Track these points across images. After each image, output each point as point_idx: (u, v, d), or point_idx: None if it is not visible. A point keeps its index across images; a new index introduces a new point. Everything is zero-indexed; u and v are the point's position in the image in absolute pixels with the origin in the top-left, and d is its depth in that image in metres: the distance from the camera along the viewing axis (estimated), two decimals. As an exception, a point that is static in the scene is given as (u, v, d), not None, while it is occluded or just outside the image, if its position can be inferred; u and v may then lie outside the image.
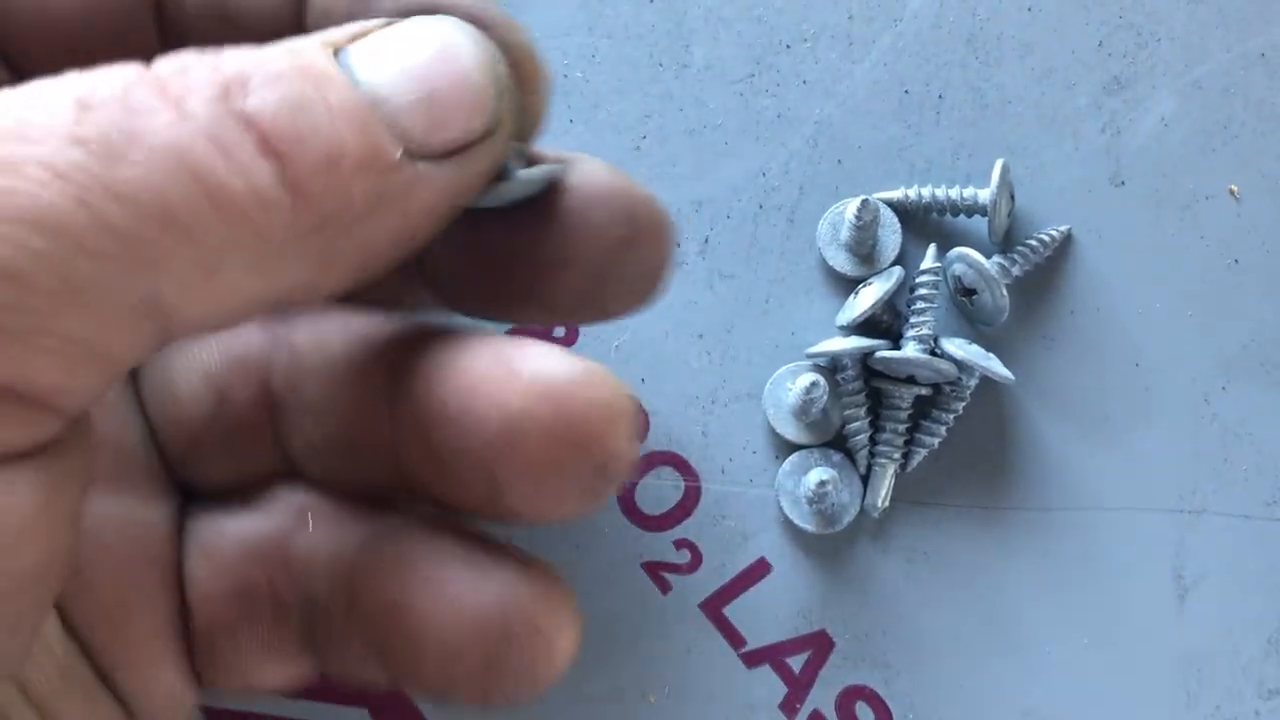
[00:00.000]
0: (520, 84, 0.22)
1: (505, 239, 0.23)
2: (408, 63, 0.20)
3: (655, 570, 0.32)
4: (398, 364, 0.24)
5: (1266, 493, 0.31)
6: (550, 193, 0.23)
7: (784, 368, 0.32)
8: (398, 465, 0.24)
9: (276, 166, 0.18)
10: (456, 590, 0.22)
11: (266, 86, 0.18)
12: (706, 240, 0.33)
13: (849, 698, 0.31)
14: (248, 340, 0.26)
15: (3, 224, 0.16)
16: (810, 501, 0.30)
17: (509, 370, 0.21)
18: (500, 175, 0.22)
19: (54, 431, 0.18)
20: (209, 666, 0.25)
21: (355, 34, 0.20)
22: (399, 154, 0.19)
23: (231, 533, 0.25)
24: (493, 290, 0.24)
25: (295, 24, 0.23)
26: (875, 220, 0.31)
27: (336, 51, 0.20)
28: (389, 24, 0.21)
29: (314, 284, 0.20)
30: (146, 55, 0.21)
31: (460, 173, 0.21)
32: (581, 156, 0.24)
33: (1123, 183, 0.32)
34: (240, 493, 0.26)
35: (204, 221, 0.17)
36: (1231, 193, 0.32)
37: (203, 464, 0.26)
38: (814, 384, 0.30)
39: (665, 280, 0.24)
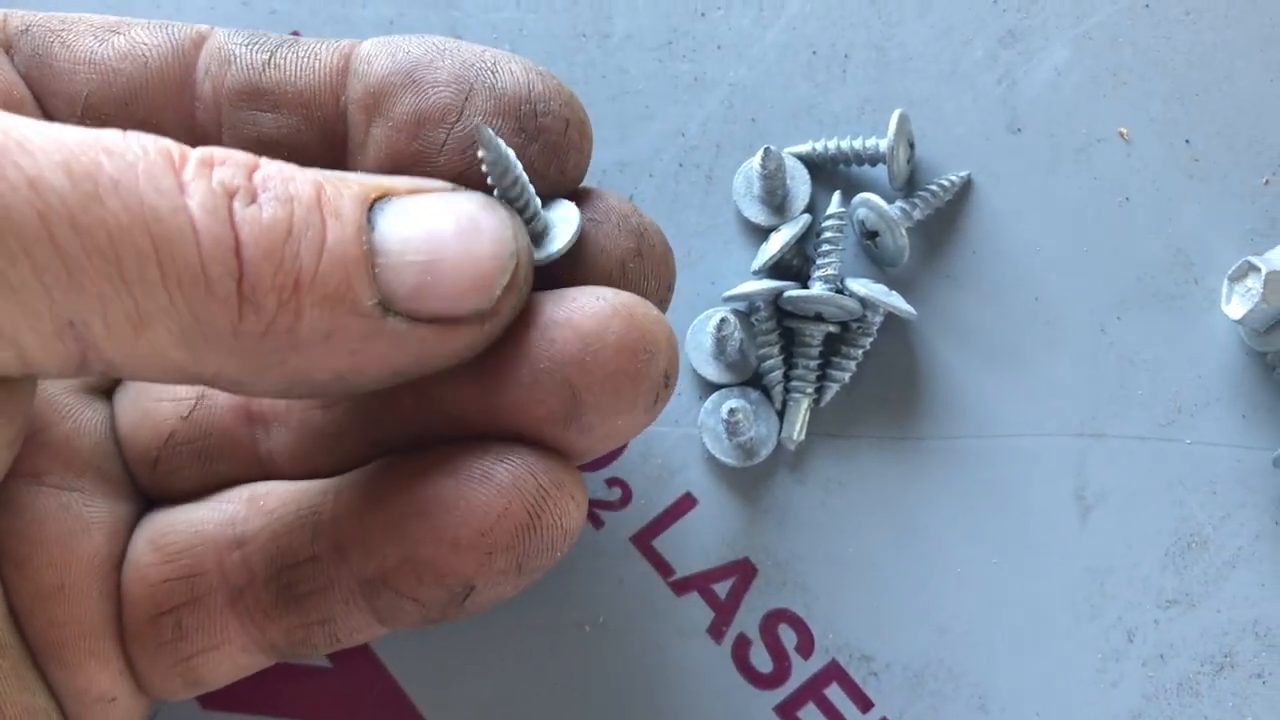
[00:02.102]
0: (577, 138, 0.25)
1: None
2: (429, 226, 0.22)
3: (589, 507, 0.34)
4: None
5: (1161, 415, 0.33)
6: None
7: (704, 313, 0.34)
8: (404, 435, 0.25)
9: (235, 271, 0.20)
10: (483, 469, 0.23)
11: (274, 203, 0.20)
12: (631, 198, 0.35)
13: (772, 620, 0.33)
14: None
15: None
16: (726, 432, 0.32)
17: (578, 300, 0.23)
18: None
19: None
20: (154, 663, 0.26)
21: (413, 188, 0.22)
22: (372, 303, 0.21)
23: (181, 522, 0.26)
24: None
25: (334, 108, 0.25)
26: (780, 168, 0.33)
27: (381, 197, 0.22)
28: (451, 189, 0.23)
29: (240, 381, 0.21)
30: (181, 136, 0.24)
31: (437, 340, 0.22)
32: (593, 189, 0.26)
33: (1019, 130, 0.34)
34: (203, 494, 0.27)
35: (147, 283, 0.19)
36: (1121, 135, 0.34)
37: (173, 464, 0.27)
38: (723, 320, 0.32)
39: (670, 289, 0.27)
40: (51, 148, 0.19)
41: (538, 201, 0.24)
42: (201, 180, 0.20)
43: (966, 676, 0.32)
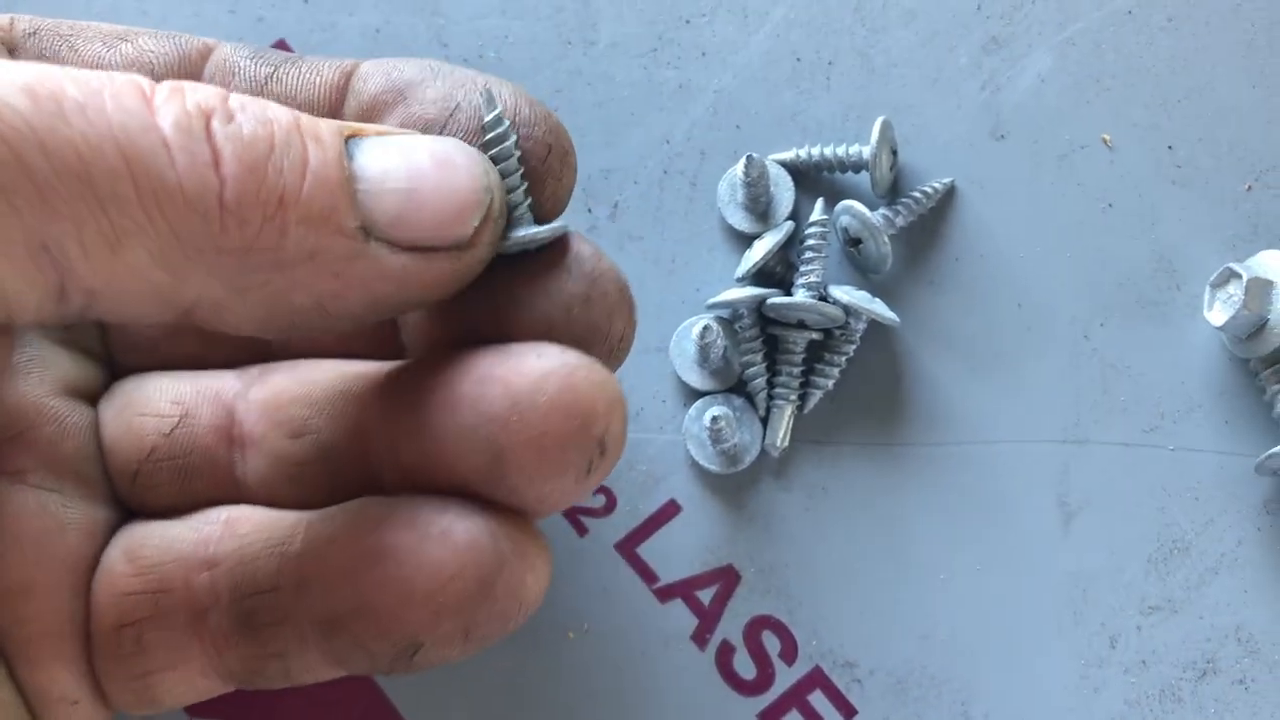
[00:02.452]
0: (557, 166, 0.25)
1: (484, 283, 0.24)
2: (406, 160, 0.22)
3: (573, 515, 0.34)
4: (396, 379, 0.25)
5: (1144, 421, 0.33)
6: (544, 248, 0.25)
7: (688, 320, 0.34)
8: (367, 476, 0.25)
9: (217, 183, 0.20)
10: (442, 526, 0.23)
11: (253, 122, 0.20)
12: (616, 205, 0.35)
13: (755, 627, 0.33)
14: (219, 376, 0.28)
15: None
16: (709, 439, 0.32)
17: (517, 357, 0.23)
18: (510, 225, 0.24)
19: None
20: (112, 674, 0.25)
21: (380, 132, 0.23)
22: (354, 225, 0.21)
23: (157, 537, 0.26)
24: (456, 327, 0.25)
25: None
26: (763, 175, 0.33)
27: (352, 136, 0.22)
28: (411, 133, 0.23)
29: (220, 305, 0.21)
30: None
31: (417, 268, 0.22)
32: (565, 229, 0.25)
33: (1002, 136, 0.34)
34: (181, 511, 0.27)
35: (121, 200, 0.19)
36: (1104, 142, 0.34)
37: (149, 483, 0.27)
38: (706, 328, 0.32)
39: (625, 340, 0.25)
40: (13, 74, 0.18)
41: (525, 185, 0.24)
42: (174, 103, 0.20)
43: (950, 683, 0.32)
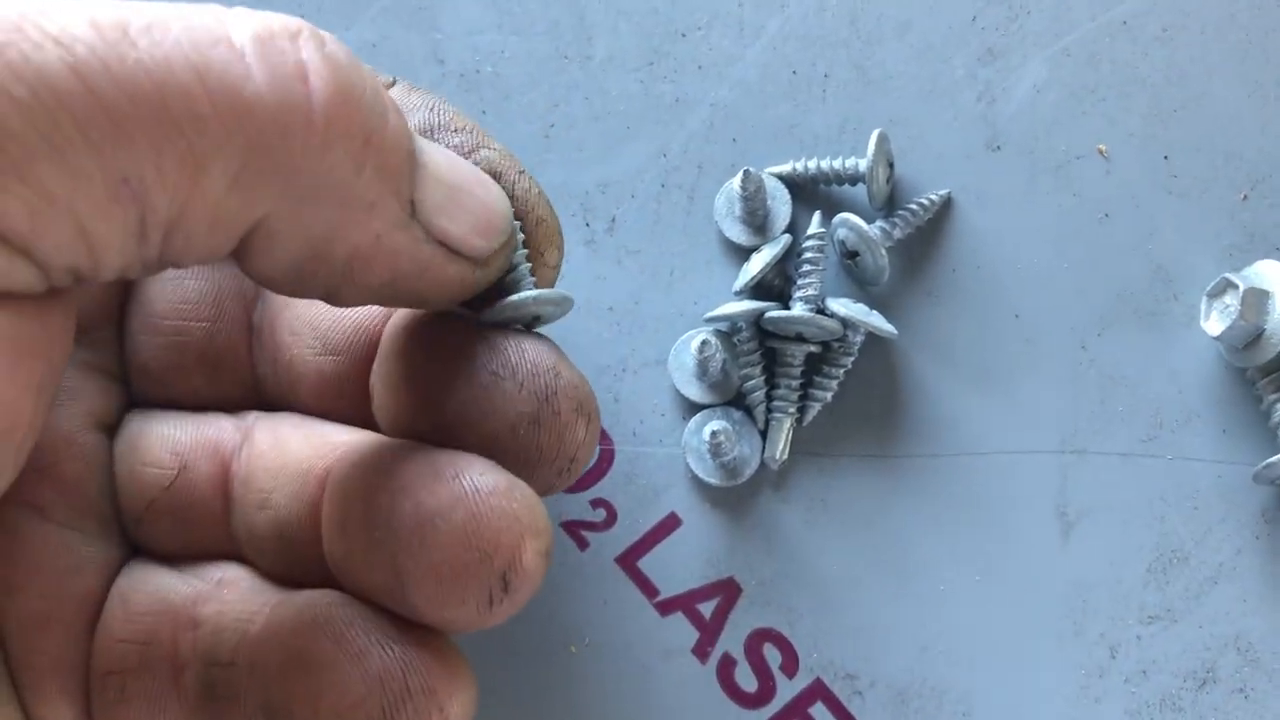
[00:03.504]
0: (541, 240, 0.26)
1: (440, 373, 0.25)
2: (452, 164, 0.23)
3: (574, 528, 0.34)
4: (346, 467, 0.25)
5: (1142, 431, 0.33)
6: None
7: (686, 334, 0.34)
8: (323, 562, 0.26)
9: (305, 97, 0.19)
10: (362, 646, 0.23)
11: (345, 53, 0.20)
12: (614, 219, 0.35)
13: (756, 640, 0.33)
14: (219, 426, 0.28)
15: None
16: (709, 453, 0.32)
17: (438, 472, 0.22)
18: (510, 289, 0.25)
19: (27, 282, 0.18)
20: (100, 716, 0.25)
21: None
22: (409, 196, 0.21)
23: (152, 586, 0.26)
24: (408, 419, 0.25)
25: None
26: (760, 189, 0.33)
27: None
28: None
29: (274, 234, 0.20)
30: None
31: (439, 264, 0.23)
32: (516, 333, 0.25)
33: (998, 147, 0.34)
34: (182, 559, 0.27)
35: (199, 119, 0.18)
36: (1101, 152, 0.34)
37: (154, 529, 0.27)
38: (705, 343, 0.32)
39: (574, 461, 0.24)
40: (75, 9, 0.18)
41: (527, 252, 0.25)
42: (252, 20, 0.19)
43: (950, 694, 0.32)
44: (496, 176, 0.25)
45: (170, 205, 0.19)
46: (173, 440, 0.28)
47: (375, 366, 0.27)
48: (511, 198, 0.25)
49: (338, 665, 0.23)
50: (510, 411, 0.23)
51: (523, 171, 0.26)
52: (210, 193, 0.19)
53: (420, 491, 0.22)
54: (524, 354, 0.24)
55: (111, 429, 0.28)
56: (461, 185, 0.23)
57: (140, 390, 0.29)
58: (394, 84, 0.27)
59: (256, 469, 0.27)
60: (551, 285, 0.27)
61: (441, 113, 0.26)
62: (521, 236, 0.25)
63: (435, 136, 0.25)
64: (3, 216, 0.17)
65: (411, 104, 0.26)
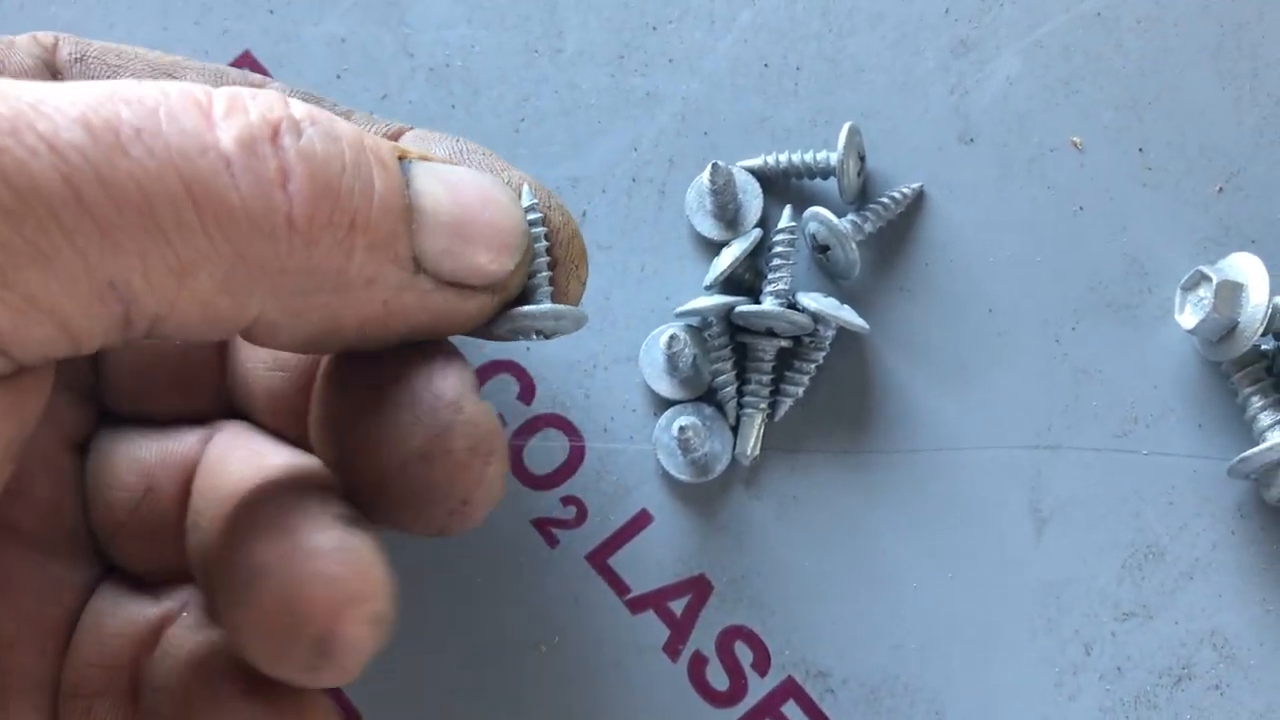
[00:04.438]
0: (569, 260, 0.25)
1: (352, 399, 0.24)
2: (456, 194, 0.22)
3: (544, 526, 0.34)
4: (225, 502, 0.24)
5: (1116, 426, 0.33)
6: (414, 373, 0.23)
7: (656, 330, 0.34)
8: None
9: (285, 201, 0.19)
10: (223, 700, 0.23)
11: (324, 139, 0.20)
12: (584, 214, 0.35)
13: (728, 637, 0.33)
14: (185, 442, 0.28)
15: None
16: (679, 448, 0.32)
17: (277, 523, 0.21)
18: (526, 297, 0.24)
19: (2, 370, 0.18)
20: None
21: (423, 155, 0.23)
22: (409, 255, 0.21)
23: (123, 610, 0.26)
24: (321, 446, 0.25)
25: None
26: (730, 183, 0.33)
27: (402, 158, 0.22)
28: (450, 161, 0.24)
29: (276, 325, 0.21)
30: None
31: (455, 304, 0.22)
32: (439, 363, 0.23)
33: (972, 140, 0.34)
34: (155, 580, 0.27)
35: (186, 229, 0.18)
36: (1074, 144, 0.34)
37: (125, 549, 0.27)
38: (673, 337, 0.32)
39: (470, 504, 0.22)
40: (66, 105, 0.18)
41: (550, 274, 0.25)
42: (236, 118, 0.19)
43: (923, 692, 0.32)
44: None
45: (158, 305, 0.19)
46: (139, 461, 0.28)
47: (315, 386, 0.26)
48: (545, 220, 0.25)
49: (207, 715, 0.23)
50: (402, 446, 0.22)
51: (551, 193, 0.26)
52: (199, 294, 0.19)
53: (257, 543, 0.21)
54: (429, 385, 0.22)
55: (84, 447, 0.28)
56: (467, 215, 0.22)
57: (113, 405, 0.29)
58: (410, 130, 0.27)
59: (196, 489, 0.26)
60: (579, 300, 0.27)
61: (464, 146, 0.26)
62: (544, 244, 0.25)
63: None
64: None
65: (432, 139, 0.26)
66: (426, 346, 0.23)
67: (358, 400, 0.23)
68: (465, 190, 0.23)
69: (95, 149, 0.18)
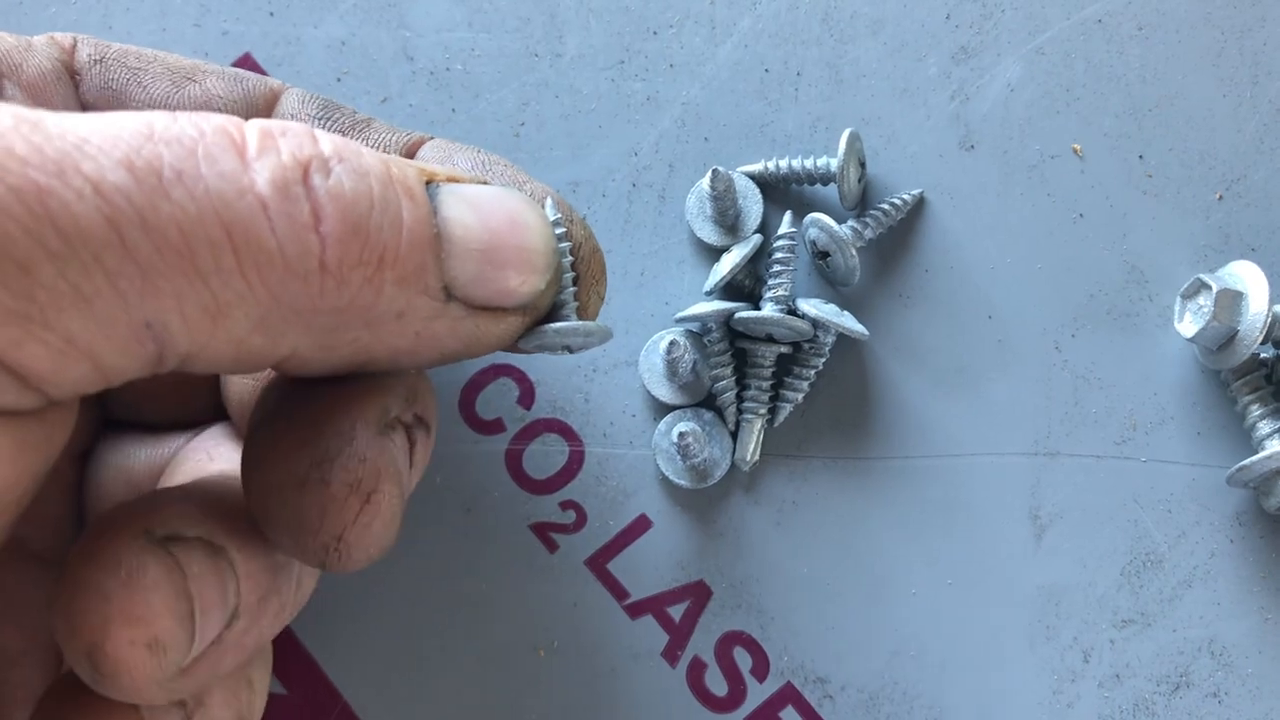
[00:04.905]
0: (590, 276, 0.25)
1: (262, 415, 0.23)
2: (484, 218, 0.22)
3: (543, 530, 0.34)
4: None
5: (1116, 433, 0.33)
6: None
7: (656, 335, 0.34)
8: None
9: (318, 244, 0.19)
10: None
11: (351, 176, 0.20)
12: (584, 218, 0.35)
13: (727, 643, 0.33)
14: (170, 448, 0.28)
15: (31, 219, 0.17)
16: (678, 454, 0.32)
17: (96, 532, 0.21)
18: (553, 313, 0.24)
19: (34, 405, 0.18)
20: None
21: (450, 176, 0.23)
22: (439, 285, 0.21)
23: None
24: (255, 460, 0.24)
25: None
26: (730, 188, 0.32)
27: (429, 182, 0.22)
28: (479, 180, 0.23)
29: (307, 359, 0.21)
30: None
31: (487, 328, 0.22)
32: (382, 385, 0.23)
33: (972, 146, 0.34)
34: None
35: (224, 273, 0.18)
36: (1075, 151, 0.34)
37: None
38: (672, 343, 0.32)
39: (347, 546, 0.21)
40: (109, 145, 0.18)
41: (575, 289, 0.25)
42: (269, 156, 0.19)
43: (921, 699, 0.32)
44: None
45: (191, 344, 0.19)
46: (127, 471, 0.28)
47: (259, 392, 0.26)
48: (567, 234, 0.25)
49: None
50: (284, 468, 0.21)
51: (571, 208, 0.26)
52: (233, 334, 0.19)
53: (77, 553, 0.21)
54: (333, 409, 0.22)
55: (84, 454, 0.28)
56: (497, 239, 0.22)
57: (115, 413, 0.29)
58: (430, 140, 0.27)
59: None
60: (597, 315, 0.27)
61: (485, 158, 0.26)
62: (569, 259, 0.25)
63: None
64: (26, 359, 0.17)
65: (453, 150, 0.26)
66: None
67: (276, 414, 0.22)
68: (494, 213, 0.22)
69: (139, 192, 0.18)
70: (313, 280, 0.19)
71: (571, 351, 0.25)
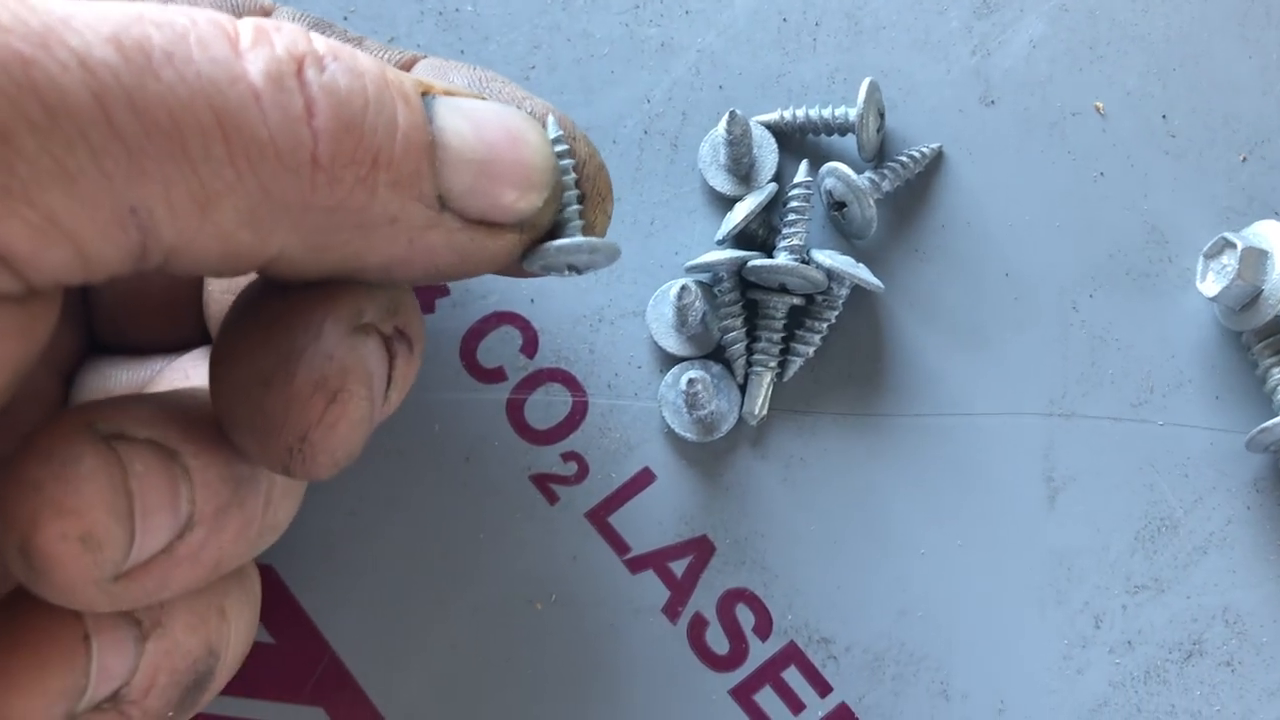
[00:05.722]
0: (596, 194, 0.25)
1: (233, 318, 0.22)
2: (481, 131, 0.22)
3: (543, 482, 0.33)
4: None
5: (1132, 395, 0.32)
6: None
7: (665, 284, 0.33)
8: None
9: (310, 138, 0.19)
10: None
11: (347, 74, 0.19)
12: (587, 135, 0.34)
13: (729, 600, 0.32)
14: (151, 370, 0.27)
15: (12, 87, 0.16)
16: (685, 404, 0.31)
17: (40, 435, 0.20)
18: (558, 231, 0.24)
19: (13, 289, 0.18)
20: None
21: (448, 90, 0.22)
22: (434, 193, 0.21)
23: None
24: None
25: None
26: (746, 134, 0.32)
27: (425, 93, 0.21)
28: (476, 95, 0.23)
29: (296, 261, 0.20)
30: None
31: (481, 243, 0.22)
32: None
33: (993, 102, 0.33)
34: None
35: (213, 160, 0.18)
36: (1097, 109, 0.33)
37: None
38: (684, 289, 0.31)
39: (302, 448, 0.21)
40: (96, 21, 0.17)
41: (580, 208, 0.24)
42: (262, 49, 0.19)
43: (928, 661, 0.31)
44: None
45: (177, 236, 0.18)
46: (108, 393, 0.27)
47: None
48: (570, 152, 0.24)
49: None
50: (250, 365, 0.21)
51: (574, 124, 0.25)
52: (221, 227, 0.18)
53: (19, 447, 0.20)
54: (302, 306, 0.21)
55: (69, 373, 0.27)
56: (494, 152, 0.22)
57: (101, 334, 0.28)
58: (424, 59, 0.26)
59: None
60: (605, 234, 0.26)
61: (482, 75, 0.25)
62: (572, 177, 0.24)
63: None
64: (6, 236, 0.17)
65: (449, 68, 0.25)
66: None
67: (246, 313, 0.22)
68: (491, 126, 0.22)
69: (127, 70, 0.17)
70: (304, 175, 0.19)
71: (579, 272, 0.24)
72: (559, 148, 0.24)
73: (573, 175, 0.24)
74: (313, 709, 0.32)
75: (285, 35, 0.19)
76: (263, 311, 0.21)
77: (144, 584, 0.20)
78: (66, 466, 0.19)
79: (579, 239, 0.23)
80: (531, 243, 0.23)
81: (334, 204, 0.19)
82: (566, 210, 0.24)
